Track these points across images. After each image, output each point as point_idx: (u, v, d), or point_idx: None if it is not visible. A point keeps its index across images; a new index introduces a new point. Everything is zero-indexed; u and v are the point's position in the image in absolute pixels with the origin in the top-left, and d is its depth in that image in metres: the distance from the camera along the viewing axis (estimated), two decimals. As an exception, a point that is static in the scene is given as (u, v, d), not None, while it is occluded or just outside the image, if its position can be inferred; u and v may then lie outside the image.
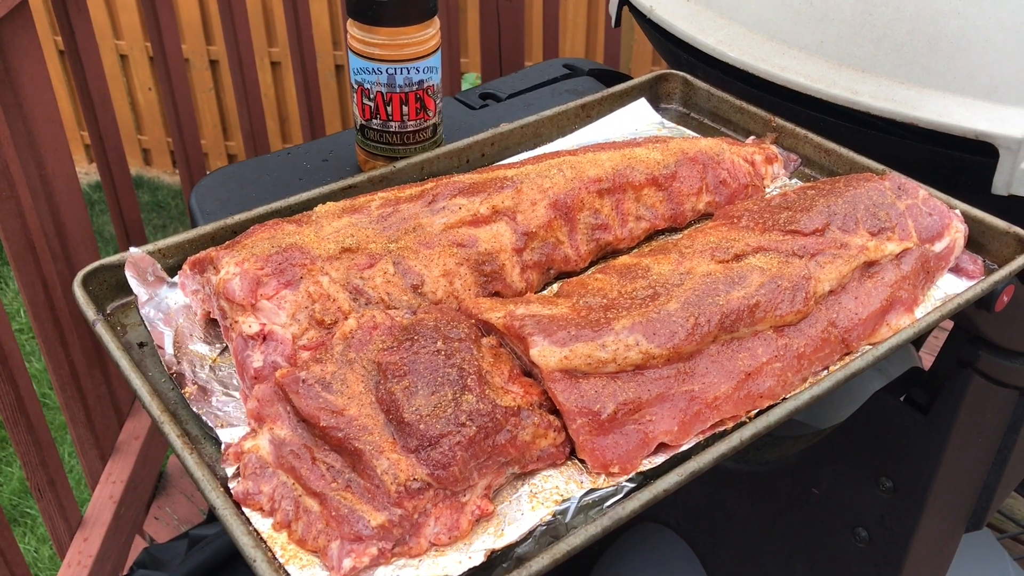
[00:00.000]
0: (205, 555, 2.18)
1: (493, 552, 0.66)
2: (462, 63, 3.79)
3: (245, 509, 0.69)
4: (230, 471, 0.72)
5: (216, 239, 0.92)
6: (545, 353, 0.75)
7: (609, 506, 0.71)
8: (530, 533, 0.68)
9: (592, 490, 0.72)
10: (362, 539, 0.66)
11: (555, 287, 0.95)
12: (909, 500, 1.35)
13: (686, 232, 0.98)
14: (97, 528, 2.25)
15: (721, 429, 0.77)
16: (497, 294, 0.89)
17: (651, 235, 1.02)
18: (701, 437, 0.77)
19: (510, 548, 0.67)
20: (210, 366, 0.84)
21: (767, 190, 1.05)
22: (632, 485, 0.73)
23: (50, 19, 3.97)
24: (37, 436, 1.97)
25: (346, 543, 0.66)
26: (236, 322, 0.80)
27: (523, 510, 0.72)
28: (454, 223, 0.90)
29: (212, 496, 0.66)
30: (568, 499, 0.71)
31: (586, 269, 0.97)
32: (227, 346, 0.84)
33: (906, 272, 0.96)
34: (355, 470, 0.69)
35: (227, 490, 0.70)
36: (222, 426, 0.77)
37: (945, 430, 1.14)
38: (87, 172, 4.48)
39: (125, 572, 2.34)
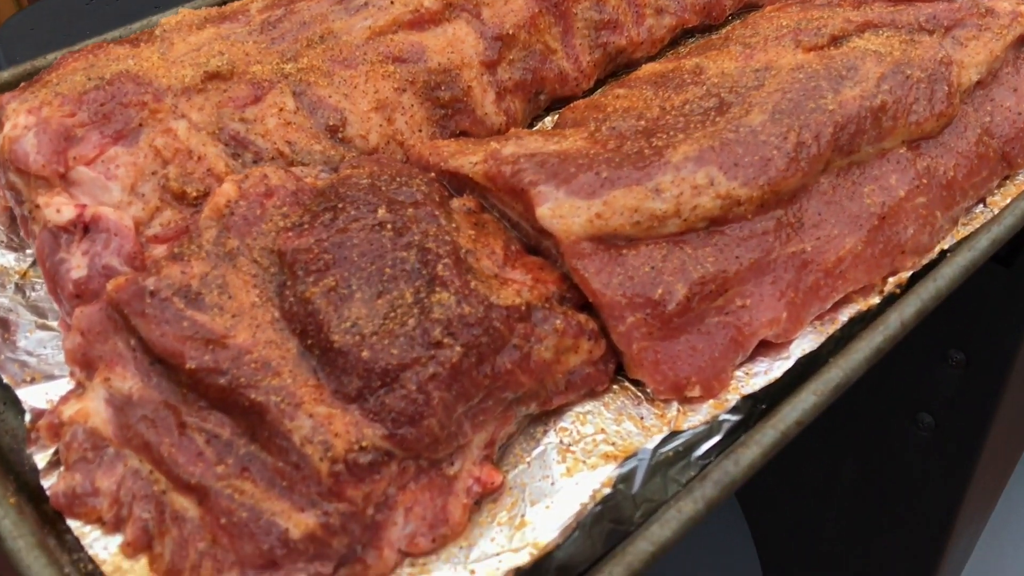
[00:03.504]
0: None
1: (519, 572, 0.44)
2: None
3: (73, 523, 0.49)
4: (42, 458, 0.51)
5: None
6: (563, 210, 0.53)
7: (701, 457, 0.49)
8: (578, 522, 0.47)
9: (674, 434, 0.50)
10: (277, 562, 0.45)
11: (549, 120, 0.75)
12: (985, 374, 1.15)
13: (733, 25, 0.76)
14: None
15: (857, 312, 0.57)
16: (464, 134, 0.69)
17: (676, 39, 0.81)
18: (821, 329, 0.56)
19: (541, 559, 0.45)
20: (16, 284, 0.63)
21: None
22: (734, 418, 0.51)
23: None
24: None
25: (251, 573, 0.45)
26: (37, 207, 0.59)
27: (552, 475, 0.50)
28: (385, 26, 0.67)
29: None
30: (630, 452, 0.50)
31: (591, 92, 0.76)
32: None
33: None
34: (255, 439, 0.49)
35: (34, 494, 0.50)
36: (31, 381, 0.56)
37: (1032, 284, 1.05)
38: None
39: None
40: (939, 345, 1.12)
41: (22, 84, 0.66)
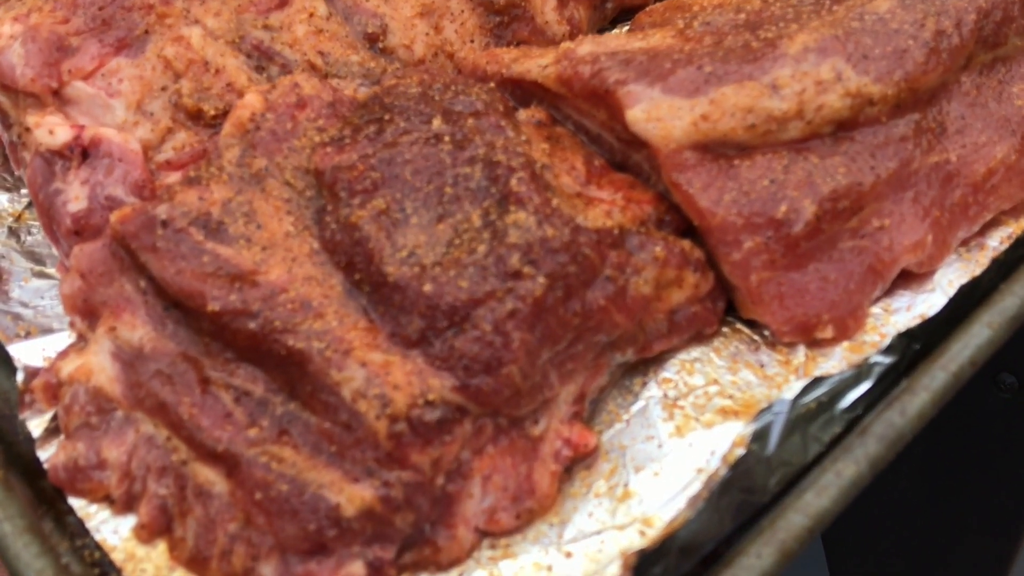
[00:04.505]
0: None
1: (643, 555, 0.37)
2: None
3: (76, 502, 0.45)
4: (37, 425, 0.46)
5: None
6: (660, 112, 0.46)
7: (847, 410, 0.42)
8: (708, 491, 0.39)
9: (818, 380, 0.43)
10: (327, 546, 0.40)
11: (618, 31, 0.67)
12: (1075, 328, 1.07)
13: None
14: None
15: (1010, 236, 0.49)
16: (522, 45, 0.63)
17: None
18: (967, 256, 0.49)
19: (666, 538, 0.38)
20: (9, 227, 0.59)
21: None
22: (886, 361, 0.43)
23: None
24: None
25: (294, 560, 0.40)
26: (27, 130, 0.54)
27: (658, 436, 0.43)
28: (430, -82, 0.63)
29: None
30: (755, 406, 0.43)
31: (664, -1, 0.72)
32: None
33: None
34: (295, 396, 0.44)
35: (28, 468, 0.45)
36: (26, 335, 0.52)
37: None
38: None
39: None
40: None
41: (9, -3, 0.59)
